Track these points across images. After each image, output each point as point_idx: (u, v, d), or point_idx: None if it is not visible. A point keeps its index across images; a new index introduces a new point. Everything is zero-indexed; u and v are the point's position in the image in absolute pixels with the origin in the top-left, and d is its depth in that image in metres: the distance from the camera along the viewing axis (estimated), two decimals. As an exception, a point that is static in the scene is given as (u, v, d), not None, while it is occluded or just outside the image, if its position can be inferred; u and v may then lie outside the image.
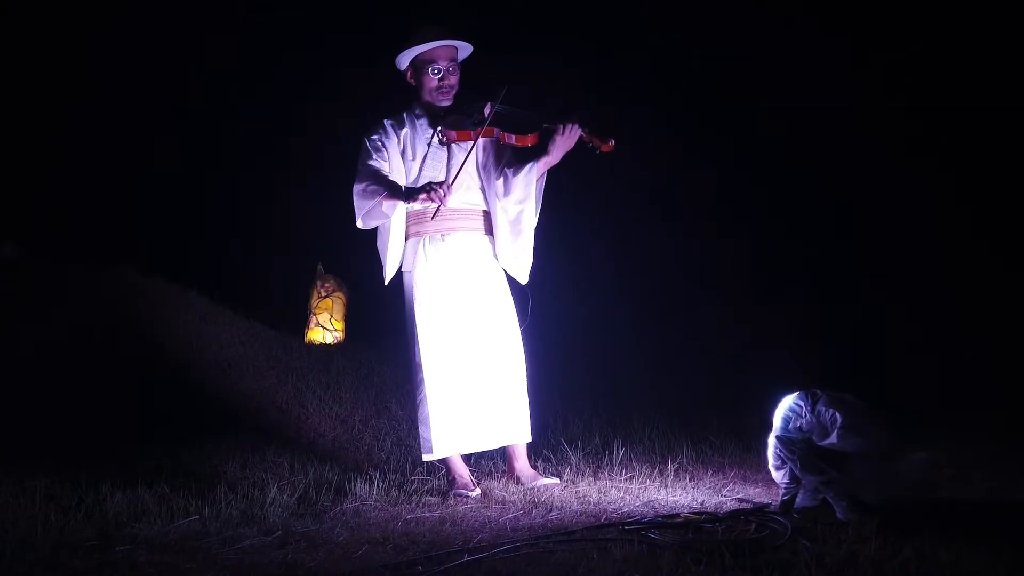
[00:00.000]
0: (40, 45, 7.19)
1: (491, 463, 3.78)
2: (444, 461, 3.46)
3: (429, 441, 3.40)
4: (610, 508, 3.03)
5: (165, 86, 7.32)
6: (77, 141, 7.34)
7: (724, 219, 6.64)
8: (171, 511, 3.00)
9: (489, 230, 3.56)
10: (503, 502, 3.18)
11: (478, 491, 3.35)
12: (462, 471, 3.44)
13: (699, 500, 3.12)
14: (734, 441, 3.96)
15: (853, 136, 6.17)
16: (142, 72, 7.22)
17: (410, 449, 4.03)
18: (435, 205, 3.34)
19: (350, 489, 3.34)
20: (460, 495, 3.29)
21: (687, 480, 3.43)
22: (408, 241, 3.53)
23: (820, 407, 2.88)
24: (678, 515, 2.85)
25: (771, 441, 2.96)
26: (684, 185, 6.61)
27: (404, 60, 3.53)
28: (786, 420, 2.93)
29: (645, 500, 3.14)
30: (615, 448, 3.78)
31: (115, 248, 6.62)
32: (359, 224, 3.48)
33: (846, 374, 4.07)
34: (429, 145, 3.49)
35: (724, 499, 3.14)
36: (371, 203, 3.40)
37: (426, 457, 3.44)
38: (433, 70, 3.49)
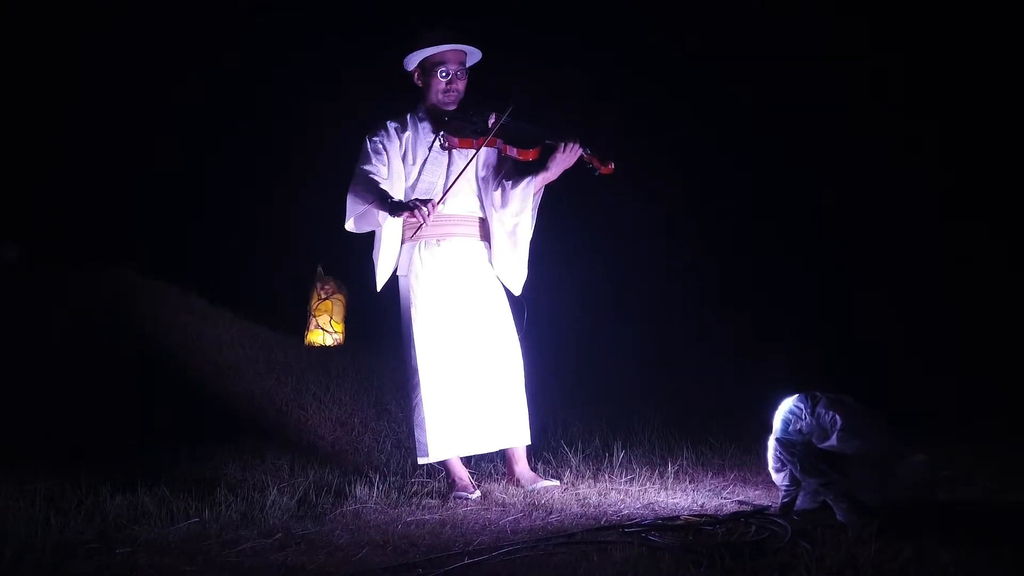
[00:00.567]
0: (40, 45, 7.19)
1: (491, 465, 3.78)
2: (443, 464, 3.46)
3: (424, 444, 3.40)
4: (610, 510, 3.03)
5: (165, 86, 7.31)
6: (77, 141, 7.33)
7: (724, 221, 6.64)
8: (171, 513, 3.00)
9: (484, 237, 3.56)
10: (503, 504, 3.18)
11: (478, 493, 3.35)
12: (462, 474, 3.44)
13: (699, 502, 3.13)
14: (734, 443, 3.96)
15: (852, 136, 6.17)
16: (142, 72, 7.21)
17: (410, 451, 4.02)
18: (419, 222, 3.32)
19: (350, 491, 3.34)
20: (460, 497, 3.29)
21: (687, 482, 3.43)
22: (404, 245, 3.53)
23: (820, 409, 2.88)
24: (678, 517, 2.85)
25: (771, 443, 2.97)
26: (683, 187, 6.61)
27: (413, 61, 3.52)
28: (786, 422, 2.93)
29: (645, 502, 3.14)
30: (615, 450, 3.78)
31: (115, 249, 6.61)
32: (348, 226, 3.49)
33: (845, 377, 4.07)
34: (430, 149, 3.49)
35: (724, 501, 3.14)
36: (360, 209, 3.41)
37: (421, 460, 3.44)
38: (442, 73, 3.48)
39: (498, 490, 3.40)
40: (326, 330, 6.35)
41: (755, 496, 3.20)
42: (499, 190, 3.52)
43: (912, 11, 5.86)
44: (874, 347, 5.44)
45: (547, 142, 3.41)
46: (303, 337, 6.32)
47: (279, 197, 7.22)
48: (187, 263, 6.83)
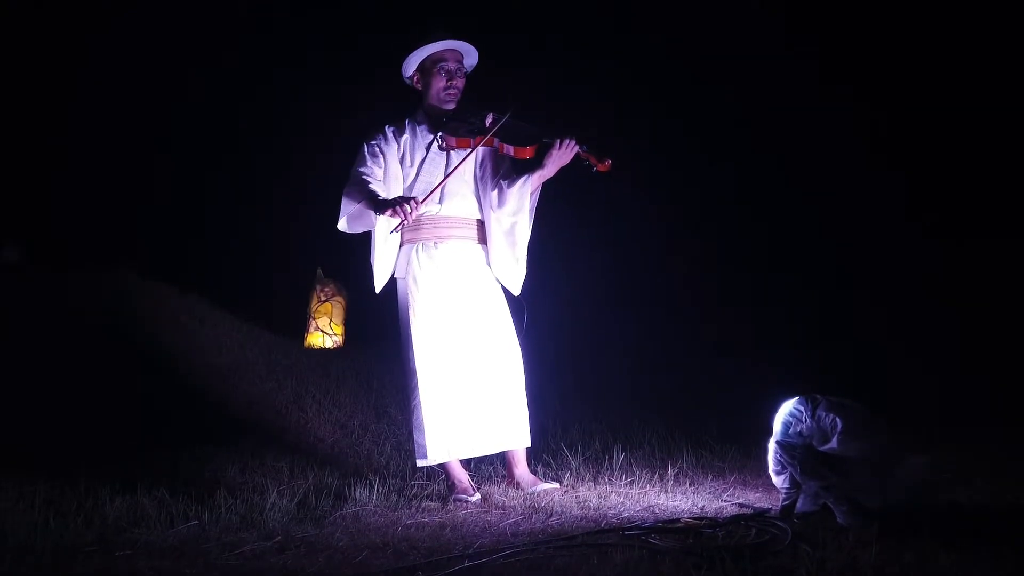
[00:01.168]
0: (40, 45, 7.19)
1: (491, 468, 3.78)
2: (443, 466, 3.45)
3: (423, 447, 3.39)
4: (610, 513, 3.02)
5: (165, 87, 7.31)
6: (77, 141, 7.33)
7: (723, 223, 6.64)
8: (170, 516, 2.99)
9: (482, 239, 3.56)
10: (503, 507, 3.18)
11: (478, 496, 3.34)
12: (461, 476, 3.44)
13: (699, 505, 3.12)
14: (734, 446, 3.96)
15: (852, 139, 6.18)
16: (142, 72, 7.21)
17: (410, 454, 4.01)
18: (400, 220, 3.30)
19: (350, 494, 3.33)
20: (460, 500, 3.29)
21: (687, 485, 3.43)
22: (402, 248, 3.53)
23: (820, 412, 2.88)
24: (678, 520, 2.84)
25: (771, 446, 2.96)
26: (683, 188, 6.61)
27: (412, 63, 3.53)
28: (786, 425, 2.93)
29: (645, 505, 3.14)
30: (615, 453, 3.78)
31: (114, 250, 6.61)
32: (340, 226, 3.50)
33: (845, 379, 4.07)
34: (428, 150, 3.50)
35: (724, 504, 3.14)
36: (351, 208, 3.44)
37: (420, 463, 3.44)
38: (443, 70, 3.50)
39: (498, 493, 3.40)
40: (326, 332, 6.35)
41: (755, 499, 3.20)
42: (496, 190, 3.52)
43: (908, 13, 5.88)
44: (874, 349, 5.44)
45: (544, 140, 3.41)
46: (303, 339, 6.32)
47: (279, 198, 7.22)
48: (187, 265, 6.83)
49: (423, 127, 3.54)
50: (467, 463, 3.59)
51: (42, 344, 5.16)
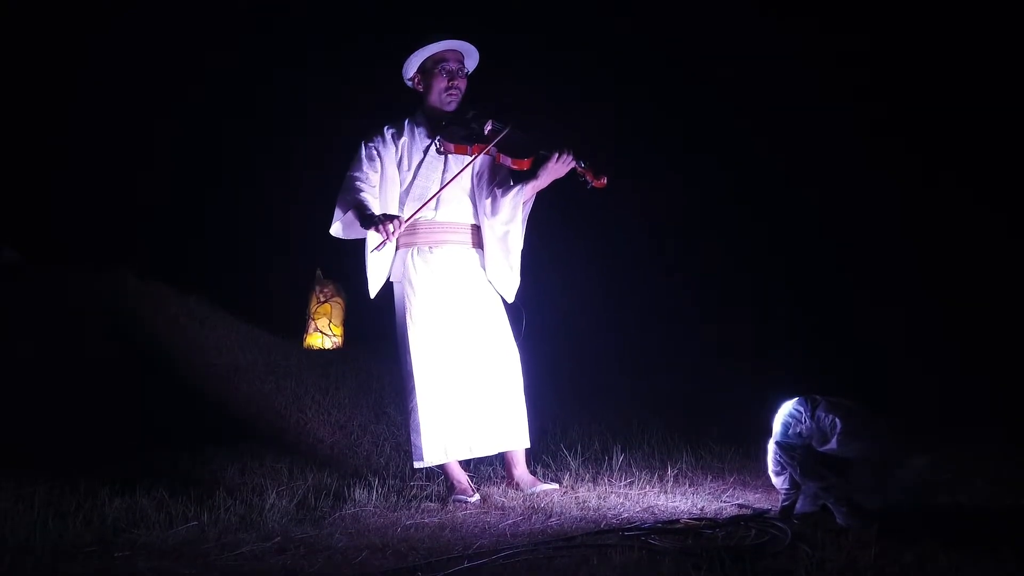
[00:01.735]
0: (40, 45, 7.19)
1: (490, 469, 3.77)
2: (442, 467, 3.45)
3: (421, 448, 3.39)
4: (610, 514, 3.02)
5: (165, 87, 7.31)
6: (77, 141, 7.33)
7: (722, 225, 6.64)
8: (170, 517, 2.99)
9: (477, 243, 3.56)
10: (502, 508, 3.18)
11: (477, 497, 3.34)
12: (460, 477, 3.44)
13: (699, 506, 3.12)
14: (734, 447, 3.96)
15: (852, 139, 6.17)
16: (142, 72, 7.21)
17: (409, 455, 4.01)
18: (382, 239, 3.31)
19: (349, 495, 3.33)
20: (459, 501, 3.28)
21: (687, 486, 3.43)
22: (397, 252, 3.52)
23: (820, 412, 2.88)
24: (678, 521, 2.84)
25: (771, 447, 2.96)
26: (681, 189, 6.61)
27: (413, 64, 3.52)
28: (786, 426, 2.93)
29: (645, 506, 3.14)
30: (615, 454, 3.77)
31: (113, 251, 6.61)
32: (333, 231, 3.51)
33: (845, 379, 4.07)
34: (426, 152, 3.49)
35: (724, 505, 3.14)
36: (343, 217, 3.46)
37: (418, 464, 3.44)
38: (444, 71, 3.49)
39: (497, 493, 3.39)
40: (325, 333, 6.35)
41: (755, 500, 3.19)
42: (490, 198, 3.52)
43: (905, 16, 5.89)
44: (874, 350, 5.44)
45: (541, 152, 3.40)
46: (302, 340, 6.32)
47: (278, 199, 7.22)
48: (186, 265, 6.83)
49: (422, 129, 3.53)
50: (466, 464, 3.59)
51: (41, 344, 5.16)
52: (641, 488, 3.39)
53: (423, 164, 3.50)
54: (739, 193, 6.55)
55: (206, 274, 6.65)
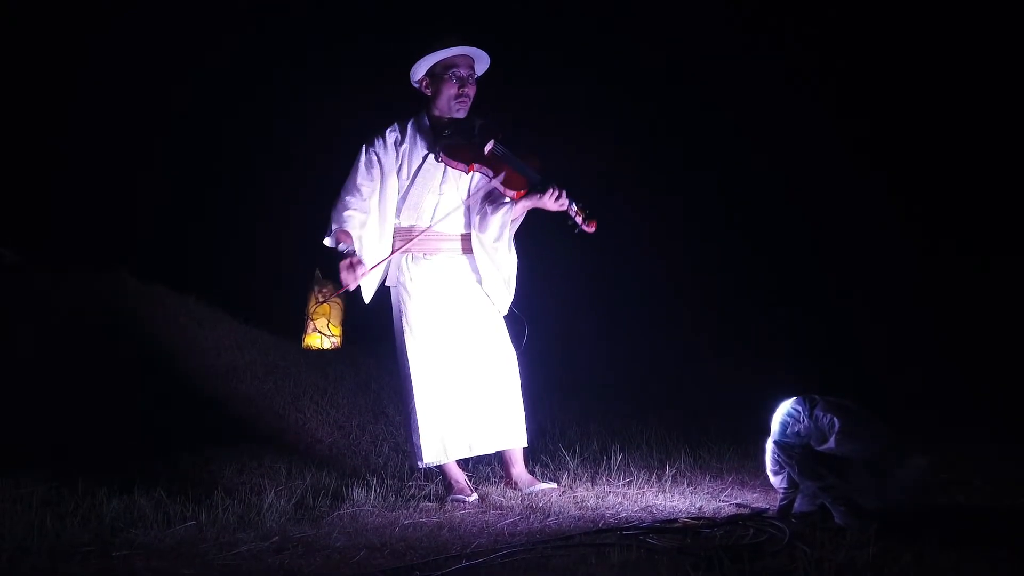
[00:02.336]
0: (40, 45, 7.19)
1: (488, 468, 3.77)
2: (440, 467, 3.45)
3: (420, 449, 3.39)
4: (608, 513, 3.02)
5: (164, 87, 7.31)
6: (77, 142, 7.33)
7: (720, 227, 6.65)
8: (168, 517, 2.99)
9: (468, 250, 3.55)
10: (501, 507, 3.18)
11: (475, 496, 3.34)
12: (459, 476, 3.44)
13: (697, 505, 3.12)
14: (732, 446, 3.96)
15: (846, 142, 6.18)
16: (142, 72, 7.22)
17: (407, 455, 4.02)
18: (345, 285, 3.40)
19: (347, 494, 3.33)
20: (457, 500, 3.28)
21: (685, 485, 3.43)
22: (391, 257, 3.51)
23: (818, 412, 2.88)
24: (676, 520, 2.85)
25: (769, 446, 2.96)
26: (680, 191, 6.62)
27: (422, 68, 3.47)
28: (784, 425, 2.93)
29: (643, 505, 3.14)
30: (613, 453, 3.77)
31: (112, 252, 6.60)
32: (326, 243, 3.55)
33: (845, 379, 4.07)
34: (424, 160, 3.48)
35: (722, 504, 3.14)
36: (332, 235, 3.51)
37: (419, 465, 3.43)
38: (454, 76, 3.44)
39: (495, 493, 3.39)
40: (324, 333, 6.31)
41: (753, 499, 3.19)
42: (480, 214, 3.52)
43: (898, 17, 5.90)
44: (873, 350, 5.45)
45: (536, 185, 3.40)
46: (301, 340, 6.30)
47: (278, 199, 7.22)
48: (185, 266, 6.83)
49: (424, 134, 3.50)
50: (464, 463, 3.59)
51: (40, 345, 5.15)
52: (639, 487, 3.39)
53: (421, 171, 3.48)
54: (738, 194, 6.56)
55: (205, 274, 6.65)
